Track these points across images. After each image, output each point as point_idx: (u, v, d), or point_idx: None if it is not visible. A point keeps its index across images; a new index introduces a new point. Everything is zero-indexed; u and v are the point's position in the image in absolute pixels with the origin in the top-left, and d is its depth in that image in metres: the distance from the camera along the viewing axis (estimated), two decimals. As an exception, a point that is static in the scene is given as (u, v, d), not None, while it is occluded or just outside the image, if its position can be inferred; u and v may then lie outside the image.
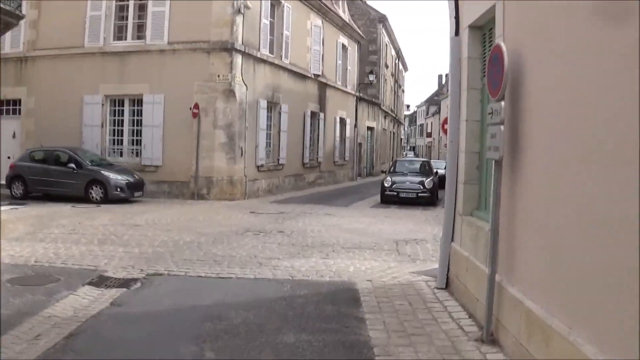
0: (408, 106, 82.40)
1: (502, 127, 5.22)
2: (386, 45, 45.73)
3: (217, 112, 18.94)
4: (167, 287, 7.52)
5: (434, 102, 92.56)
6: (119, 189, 17.46)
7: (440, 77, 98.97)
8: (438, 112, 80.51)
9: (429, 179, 20.53)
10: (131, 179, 17.86)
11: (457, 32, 7.57)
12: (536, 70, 4.80)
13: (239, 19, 19.02)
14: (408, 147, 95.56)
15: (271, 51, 22.11)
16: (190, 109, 18.62)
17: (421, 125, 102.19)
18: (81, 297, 6.83)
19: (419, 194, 20.07)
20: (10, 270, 7.97)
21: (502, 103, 5.23)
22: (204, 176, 18.99)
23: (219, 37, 18.82)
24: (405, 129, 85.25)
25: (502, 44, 5.22)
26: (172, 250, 9.93)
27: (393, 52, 51.57)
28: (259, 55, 20.66)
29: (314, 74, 26.65)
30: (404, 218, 15.69)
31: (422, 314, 6.38)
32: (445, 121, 20.68)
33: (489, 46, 6.64)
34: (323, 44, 27.64)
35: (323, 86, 28.21)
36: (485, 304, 5.47)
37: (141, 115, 19.75)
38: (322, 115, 28.02)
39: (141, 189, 18.33)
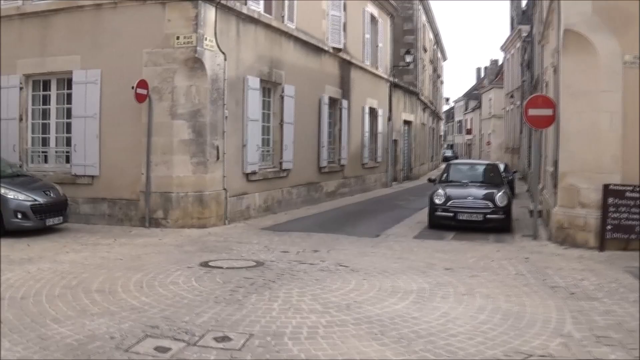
0: (447, 99, 74.89)
1: None
2: (424, 25, 38.63)
3: (177, 93, 12.33)
4: None
5: (473, 96, 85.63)
6: (19, 215, 11.09)
7: (478, 70, 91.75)
8: (479, 106, 73.79)
9: (500, 192, 13.59)
10: (41, 199, 11.39)
11: None
12: None
13: (209, -50, 12.44)
14: (446, 145, 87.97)
15: (267, 9, 15.33)
16: (133, 88, 12.06)
17: (460, 121, 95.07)
18: None
19: (488, 216, 13.18)
20: None
21: None
22: (158, 191, 12.45)
23: (178, -22, 12.25)
24: (443, 125, 77.76)
25: None
26: None
27: (431, 36, 44.41)
28: (245, 11, 13.91)
29: (334, 47, 19.72)
30: (479, 270, 8.78)
31: None
32: (531, 102, 13.45)
33: None
34: (345, 10, 20.74)
35: (347, 65, 21.32)
36: None
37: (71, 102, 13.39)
38: (345, 103, 21.10)
39: (61, 213, 11.89)
